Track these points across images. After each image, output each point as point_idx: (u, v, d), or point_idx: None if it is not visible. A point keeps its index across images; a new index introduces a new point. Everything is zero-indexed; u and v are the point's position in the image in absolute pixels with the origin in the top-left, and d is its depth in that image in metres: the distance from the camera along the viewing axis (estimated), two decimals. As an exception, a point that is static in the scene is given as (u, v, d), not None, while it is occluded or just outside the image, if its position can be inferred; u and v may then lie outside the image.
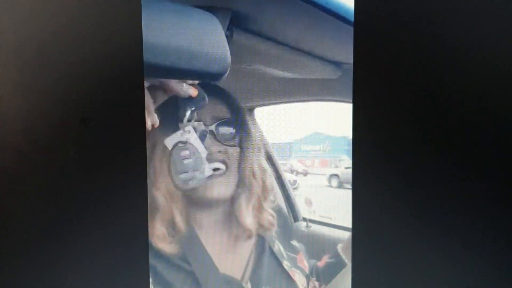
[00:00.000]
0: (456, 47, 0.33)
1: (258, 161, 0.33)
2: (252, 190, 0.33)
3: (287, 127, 0.34)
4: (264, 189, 0.34)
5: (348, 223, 0.35)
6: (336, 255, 0.35)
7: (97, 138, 0.34)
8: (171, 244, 0.33)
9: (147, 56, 0.33)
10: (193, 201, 0.33)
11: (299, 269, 0.35)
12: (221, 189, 0.33)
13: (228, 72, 0.33)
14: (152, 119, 0.31)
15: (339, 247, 0.35)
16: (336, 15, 0.33)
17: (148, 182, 0.33)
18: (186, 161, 0.32)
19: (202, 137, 0.31)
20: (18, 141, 0.34)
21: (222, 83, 0.34)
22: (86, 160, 0.34)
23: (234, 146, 0.33)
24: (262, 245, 0.34)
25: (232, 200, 0.33)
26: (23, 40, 0.34)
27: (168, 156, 0.32)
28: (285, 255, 0.34)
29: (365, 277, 0.35)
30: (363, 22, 0.33)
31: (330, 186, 0.35)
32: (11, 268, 0.35)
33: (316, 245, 0.35)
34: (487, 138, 0.33)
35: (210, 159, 0.33)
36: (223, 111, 0.33)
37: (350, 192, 0.35)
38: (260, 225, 0.34)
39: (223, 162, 0.32)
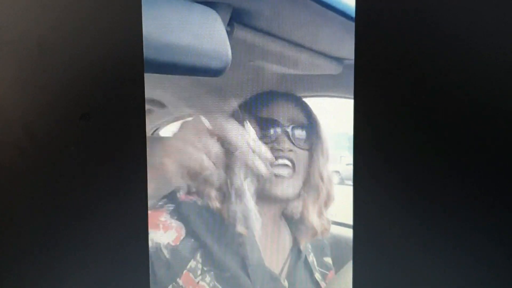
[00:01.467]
0: (458, 43, 0.33)
1: (326, 168, 0.34)
2: (320, 193, 0.34)
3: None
4: (328, 196, 0.34)
5: (349, 220, 0.35)
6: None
7: (97, 134, 0.34)
8: (241, 226, 0.34)
9: (148, 52, 0.33)
10: (260, 195, 0.34)
11: (326, 285, 0.35)
12: (286, 188, 0.34)
13: (228, 68, 0.33)
14: None
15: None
16: (338, 10, 0.33)
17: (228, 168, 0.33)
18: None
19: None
20: (18, 137, 0.34)
21: (222, 78, 0.33)
22: (86, 156, 0.34)
23: (305, 149, 0.34)
24: (298, 252, 0.35)
25: (299, 199, 0.34)
26: (23, 36, 0.34)
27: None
28: (317, 269, 0.35)
29: (366, 274, 0.35)
30: (365, 18, 0.33)
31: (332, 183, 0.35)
32: (10, 267, 0.35)
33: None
34: (489, 135, 0.33)
35: (279, 156, 0.33)
36: (300, 117, 0.34)
37: (351, 189, 0.34)
38: (318, 228, 0.35)
39: (291, 160, 0.33)
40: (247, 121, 0.33)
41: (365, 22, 0.33)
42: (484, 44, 0.33)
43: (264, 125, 0.33)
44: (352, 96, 0.34)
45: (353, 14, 0.33)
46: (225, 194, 0.34)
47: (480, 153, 0.33)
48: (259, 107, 0.33)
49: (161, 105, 0.34)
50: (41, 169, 0.34)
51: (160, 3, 0.32)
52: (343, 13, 0.33)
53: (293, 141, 0.33)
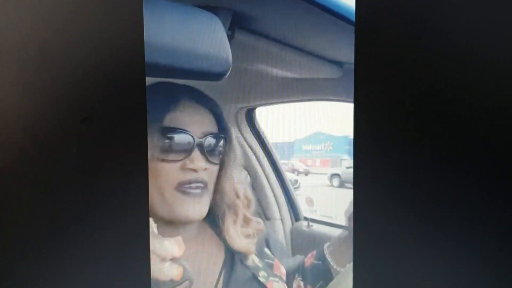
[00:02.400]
0: (458, 46, 0.33)
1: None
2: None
3: (288, 127, 0.34)
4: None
5: (349, 223, 0.35)
6: (323, 258, 0.33)
7: (98, 137, 0.34)
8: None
9: (149, 56, 0.33)
10: (168, 218, 0.32)
11: (277, 277, 0.33)
12: (195, 208, 0.31)
13: (229, 72, 0.33)
14: None
15: (326, 247, 0.33)
16: (338, 14, 0.33)
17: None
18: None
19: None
20: (20, 139, 0.34)
21: (223, 82, 0.34)
22: (88, 159, 0.34)
23: (216, 163, 0.30)
24: (231, 259, 0.32)
25: (212, 219, 0.31)
26: (25, 39, 0.34)
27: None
28: (260, 266, 0.33)
29: (367, 276, 0.35)
30: (364, 22, 0.33)
31: (332, 185, 0.35)
32: (11, 267, 0.35)
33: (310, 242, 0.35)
34: (490, 138, 0.33)
35: (192, 180, 0.30)
36: (212, 125, 0.30)
37: (351, 192, 0.35)
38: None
39: (203, 182, 0.30)
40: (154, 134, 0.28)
41: (364, 26, 0.33)
42: (484, 46, 0.33)
43: (175, 138, 0.28)
44: (352, 100, 0.34)
45: (353, 19, 0.33)
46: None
47: (481, 155, 0.34)
48: (168, 114, 0.29)
49: None
50: (43, 171, 0.34)
51: (161, 7, 0.33)
52: (343, 18, 0.33)
53: (207, 157, 0.29)
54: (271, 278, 0.33)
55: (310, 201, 0.36)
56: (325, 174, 0.35)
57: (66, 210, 0.35)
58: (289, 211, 0.36)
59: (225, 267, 0.31)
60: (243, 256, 0.31)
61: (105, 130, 0.34)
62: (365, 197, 0.34)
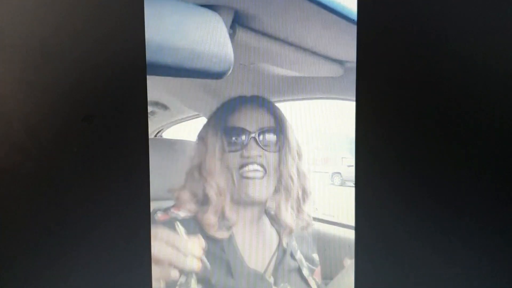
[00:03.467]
0: (459, 45, 0.33)
1: (296, 166, 0.35)
2: (291, 193, 0.35)
3: (290, 125, 0.34)
4: (304, 192, 0.35)
5: (351, 221, 0.35)
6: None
7: (100, 136, 0.34)
8: (221, 231, 0.35)
9: (150, 55, 0.33)
10: (235, 198, 0.35)
11: (314, 281, 0.36)
12: (259, 190, 0.35)
13: (231, 70, 0.33)
14: None
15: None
16: (339, 13, 0.33)
17: (200, 181, 0.34)
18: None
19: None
20: (21, 139, 0.34)
21: (224, 81, 0.34)
22: (89, 158, 0.34)
23: (274, 152, 0.34)
24: (283, 249, 0.35)
25: (270, 201, 0.35)
26: (26, 38, 0.34)
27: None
28: (305, 264, 0.36)
29: (368, 275, 0.35)
30: (366, 21, 0.33)
31: (333, 184, 0.35)
32: (12, 266, 0.35)
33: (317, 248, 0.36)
34: (491, 136, 0.34)
35: (249, 162, 0.34)
36: (267, 120, 0.34)
37: (353, 190, 0.35)
38: (298, 224, 0.35)
39: (261, 165, 0.34)
40: (218, 131, 0.34)
41: (366, 26, 0.33)
42: (486, 48, 0.33)
43: (233, 134, 0.34)
44: (354, 98, 0.34)
45: (355, 18, 0.33)
46: (201, 202, 0.34)
47: (484, 153, 0.34)
48: (229, 115, 0.34)
49: (164, 107, 0.34)
50: (44, 171, 0.34)
51: (162, 6, 0.33)
52: (345, 17, 0.33)
53: (262, 146, 0.34)
54: (310, 277, 0.36)
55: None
56: (327, 172, 0.35)
57: (68, 209, 0.35)
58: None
59: (276, 253, 0.35)
60: (288, 232, 0.35)
61: (106, 129, 0.34)
62: (367, 195, 0.35)
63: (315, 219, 0.35)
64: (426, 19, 0.33)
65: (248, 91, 0.34)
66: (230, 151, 0.34)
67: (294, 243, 0.35)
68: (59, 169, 0.34)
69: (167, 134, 0.34)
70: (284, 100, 0.34)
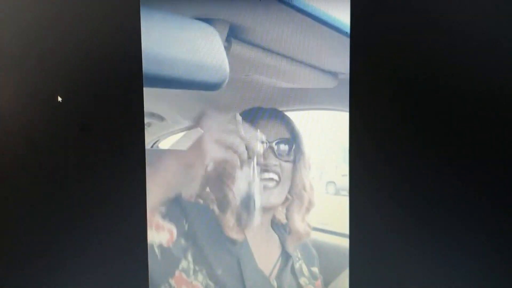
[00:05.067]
0: (453, 56, 0.33)
1: (308, 177, 0.36)
2: (303, 200, 0.36)
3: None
4: (310, 203, 0.36)
5: (345, 230, 0.35)
6: None
7: (97, 147, 0.34)
8: (239, 233, 0.36)
9: (147, 67, 0.33)
10: (250, 204, 0.36)
11: None
12: (272, 197, 0.36)
13: (226, 82, 0.34)
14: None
15: None
16: (333, 26, 0.34)
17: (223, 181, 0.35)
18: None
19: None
20: (19, 147, 0.34)
21: (220, 93, 0.34)
22: (86, 169, 0.35)
23: (289, 161, 0.35)
24: (286, 257, 0.36)
25: (283, 207, 0.36)
26: (24, 47, 0.34)
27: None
28: (305, 275, 0.36)
29: (363, 283, 0.35)
30: (359, 33, 0.33)
31: (327, 193, 0.36)
32: (9, 274, 0.35)
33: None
34: (487, 143, 0.34)
35: (266, 170, 0.35)
36: (283, 132, 0.35)
37: (347, 199, 0.35)
38: (301, 233, 0.36)
39: (277, 174, 0.36)
40: (240, 136, 0.35)
41: (359, 38, 0.34)
42: (480, 60, 0.33)
43: (252, 142, 0.35)
44: (347, 109, 0.34)
45: (348, 30, 0.34)
46: (226, 202, 0.35)
47: (477, 165, 0.34)
48: (246, 124, 0.35)
49: (160, 118, 0.34)
50: (41, 179, 0.35)
51: (158, 19, 0.33)
52: (338, 29, 0.34)
53: (278, 156, 0.35)
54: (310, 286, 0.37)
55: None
56: (321, 181, 0.36)
57: (65, 217, 0.35)
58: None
59: (280, 259, 0.36)
60: (296, 238, 0.36)
61: (103, 139, 0.34)
62: (361, 204, 0.35)
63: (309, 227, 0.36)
64: (419, 31, 0.33)
65: (246, 102, 0.34)
66: (248, 158, 0.35)
67: (298, 253, 0.36)
68: (55, 178, 0.35)
69: (163, 144, 0.35)
70: (278, 111, 0.35)
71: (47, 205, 0.35)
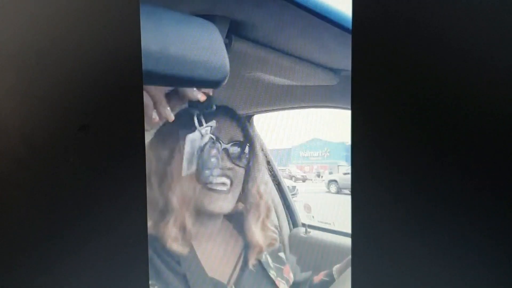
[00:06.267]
0: (455, 54, 0.33)
1: (263, 182, 0.35)
2: (259, 209, 0.35)
3: (286, 134, 0.35)
4: (268, 209, 0.35)
5: (348, 229, 0.35)
6: (331, 275, 0.36)
7: (96, 146, 0.34)
8: (180, 245, 0.35)
9: (146, 64, 0.33)
10: (197, 210, 0.34)
11: (284, 279, 0.35)
12: (222, 203, 0.34)
13: (226, 80, 0.34)
14: (165, 114, 0.33)
15: (335, 269, 0.35)
16: (334, 22, 0.33)
17: (165, 184, 0.34)
18: (212, 159, 0.34)
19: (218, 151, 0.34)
20: (17, 148, 0.34)
21: (221, 90, 0.34)
22: (85, 167, 0.34)
23: (241, 166, 0.34)
24: (248, 255, 0.35)
25: (236, 216, 0.35)
26: (22, 47, 0.34)
27: (196, 153, 0.34)
28: (272, 266, 0.35)
29: (365, 282, 0.35)
30: (361, 29, 0.33)
31: (329, 191, 0.35)
32: (10, 273, 0.35)
33: (314, 255, 0.35)
34: (492, 141, 0.34)
35: (218, 174, 0.34)
36: (238, 134, 0.34)
37: (349, 198, 0.35)
38: (265, 242, 0.35)
39: (229, 178, 0.34)
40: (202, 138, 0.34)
41: (361, 34, 0.33)
42: (481, 57, 0.33)
43: (210, 143, 0.34)
44: (349, 107, 0.34)
45: (350, 26, 0.33)
46: (163, 213, 0.34)
47: (479, 165, 0.34)
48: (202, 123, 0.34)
49: None
50: (40, 180, 0.34)
51: (158, 16, 0.33)
52: (340, 25, 0.33)
53: (232, 160, 0.34)
54: (279, 278, 0.35)
55: (308, 208, 0.36)
56: (323, 180, 0.35)
57: (64, 218, 0.35)
58: (287, 218, 0.36)
59: (240, 261, 0.35)
60: (258, 251, 0.35)
61: (102, 139, 0.34)
62: (363, 203, 0.35)
63: (311, 226, 0.36)
64: (422, 28, 0.33)
65: (240, 100, 0.34)
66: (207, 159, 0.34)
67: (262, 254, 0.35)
68: (54, 179, 0.34)
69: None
70: (280, 109, 0.34)
71: (46, 205, 0.35)
